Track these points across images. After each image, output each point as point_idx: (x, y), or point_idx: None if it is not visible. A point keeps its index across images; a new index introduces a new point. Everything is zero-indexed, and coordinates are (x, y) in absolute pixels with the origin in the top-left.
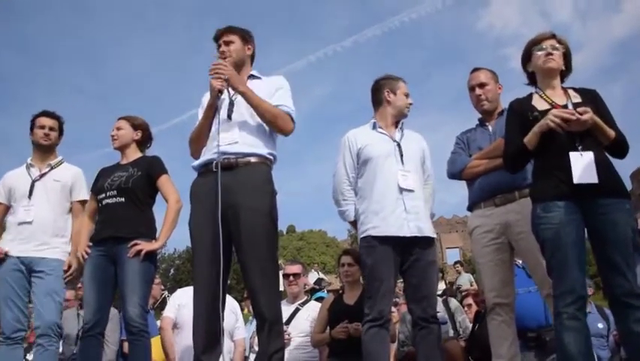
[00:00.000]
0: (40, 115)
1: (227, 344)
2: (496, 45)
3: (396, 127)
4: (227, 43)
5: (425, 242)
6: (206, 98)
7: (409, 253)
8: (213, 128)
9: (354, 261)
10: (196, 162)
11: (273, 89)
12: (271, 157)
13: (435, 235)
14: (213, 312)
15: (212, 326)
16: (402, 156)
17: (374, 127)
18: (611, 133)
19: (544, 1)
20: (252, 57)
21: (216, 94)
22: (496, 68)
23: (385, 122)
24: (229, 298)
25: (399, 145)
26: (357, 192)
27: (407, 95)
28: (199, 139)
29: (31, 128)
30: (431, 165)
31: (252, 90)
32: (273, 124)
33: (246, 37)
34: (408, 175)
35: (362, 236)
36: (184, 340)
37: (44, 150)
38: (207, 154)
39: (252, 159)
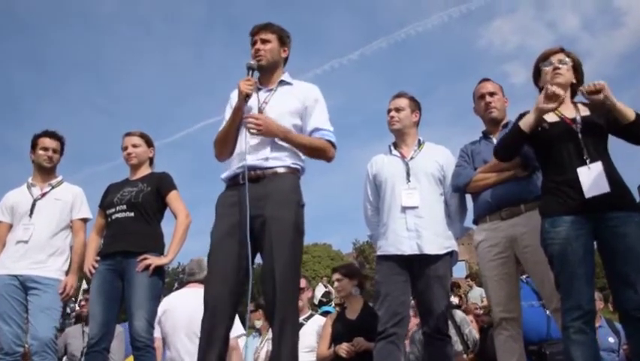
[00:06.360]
0: (42, 135)
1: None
2: (503, 59)
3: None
4: (264, 42)
5: (428, 259)
6: (234, 94)
7: (414, 270)
8: (241, 140)
9: (342, 275)
10: (224, 175)
11: (308, 100)
12: (298, 167)
13: (445, 250)
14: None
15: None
16: (408, 174)
17: (389, 150)
18: (631, 113)
19: (550, 14)
20: (286, 60)
21: (244, 97)
22: (501, 83)
23: (401, 143)
24: None
25: (407, 164)
26: None
27: (389, 111)
28: (225, 142)
29: (33, 147)
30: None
31: (289, 131)
32: (315, 157)
33: (284, 38)
34: (413, 192)
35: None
36: (172, 354)
37: (45, 171)
38: (235, 167)
39: (280, 170)
